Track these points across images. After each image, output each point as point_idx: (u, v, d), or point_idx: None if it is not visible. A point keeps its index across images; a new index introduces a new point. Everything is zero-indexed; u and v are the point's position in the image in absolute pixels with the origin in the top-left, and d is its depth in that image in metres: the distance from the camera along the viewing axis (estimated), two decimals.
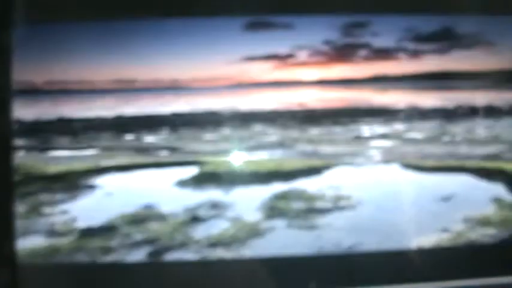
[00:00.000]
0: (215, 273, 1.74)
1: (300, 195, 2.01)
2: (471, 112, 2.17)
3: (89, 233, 1.89)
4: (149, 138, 2.31)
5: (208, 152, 2.19)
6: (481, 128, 2.16)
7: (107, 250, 1.83)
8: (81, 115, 2.21)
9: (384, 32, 2.05)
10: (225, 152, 2.13)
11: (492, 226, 1.89)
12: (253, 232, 1.88)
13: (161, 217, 1.94)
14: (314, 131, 2.34)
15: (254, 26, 1.97)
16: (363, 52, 2.12)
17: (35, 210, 1.94)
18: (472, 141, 2.17)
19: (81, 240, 1.86)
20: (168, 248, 1.84)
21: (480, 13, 1.92)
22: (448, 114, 2.23)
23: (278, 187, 2.05)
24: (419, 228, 1.87)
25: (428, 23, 2.03)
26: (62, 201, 2.03)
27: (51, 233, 1.89)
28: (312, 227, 1.91)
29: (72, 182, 2.10)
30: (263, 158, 2.15)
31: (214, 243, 1.85)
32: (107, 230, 1.89)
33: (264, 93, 2.19)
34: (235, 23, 1.94)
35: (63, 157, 2.20)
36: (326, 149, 2.28)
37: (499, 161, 2.10)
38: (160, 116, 2.29)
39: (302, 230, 1.91)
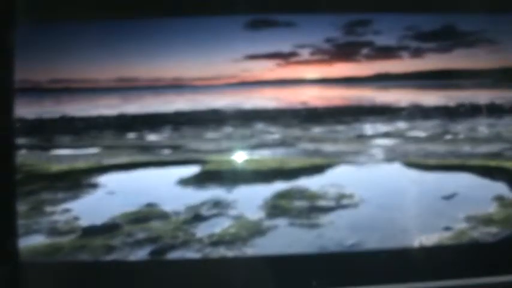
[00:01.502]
0: (217, 271, 1.74)
1: (302, 194, 2.01)
2: (473, 110, 2.17)
3: (91, 231, 1.88)
4: (151, 137, 2.31)
5: (210, 150, 2.19)
6: (483, 126, 2.15)
7: (109, 249, 1.83)
8: (83, 114, 2.21)
9: (386, 30, 2.05)
10: (228, 151, 2.12)
11: (494, 224, 1.89)
12: (256, 230, 1.88)
13: (163, 216, 1.93)
14: (316, 130, 2.34)
15: (256, 25, 1.97)
16: (365, 50, 2.12)
17: (37, 209, 1.94)
18: (474, 140, 2.17)
19: (83, 239, 1.86)
20: (171, 247, 1.84)
21: (482, 11, 1.92)
22: (450, 113, 2.22)
23: (280, 185, 2.05)
24: (421, 227, 1.87)
25: (430, 22, 2.02)
26: (64, 200, 2.03)
27: (53, 231, 1.89)
28: (314, 226, 1.91)
29: (74, 181, 2.10)
30: (265, 156, 2.15)
31: (217, 242, 1.85)
32: (109, 228, 1.89)
33: (266, 92, 2.19)
34: (238, 21, 1.94)
35: (65, 156, 2.20)
36: (328, 147, 2.28)
37: (501, 160, 2.10)
38: (163, 114, 2.29)
39: (304, 228, 1.90)
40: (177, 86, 2.10)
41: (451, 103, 2.25)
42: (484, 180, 2.09)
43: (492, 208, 1.95)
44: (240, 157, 2.08)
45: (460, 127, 2.19)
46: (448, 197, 1.99)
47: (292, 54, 2.05)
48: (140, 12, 1.85)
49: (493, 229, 1.88)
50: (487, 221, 1.90)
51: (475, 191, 2.07)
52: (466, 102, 2.19)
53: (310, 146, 2.25)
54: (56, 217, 1.94)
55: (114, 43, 1.99)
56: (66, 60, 1.96)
